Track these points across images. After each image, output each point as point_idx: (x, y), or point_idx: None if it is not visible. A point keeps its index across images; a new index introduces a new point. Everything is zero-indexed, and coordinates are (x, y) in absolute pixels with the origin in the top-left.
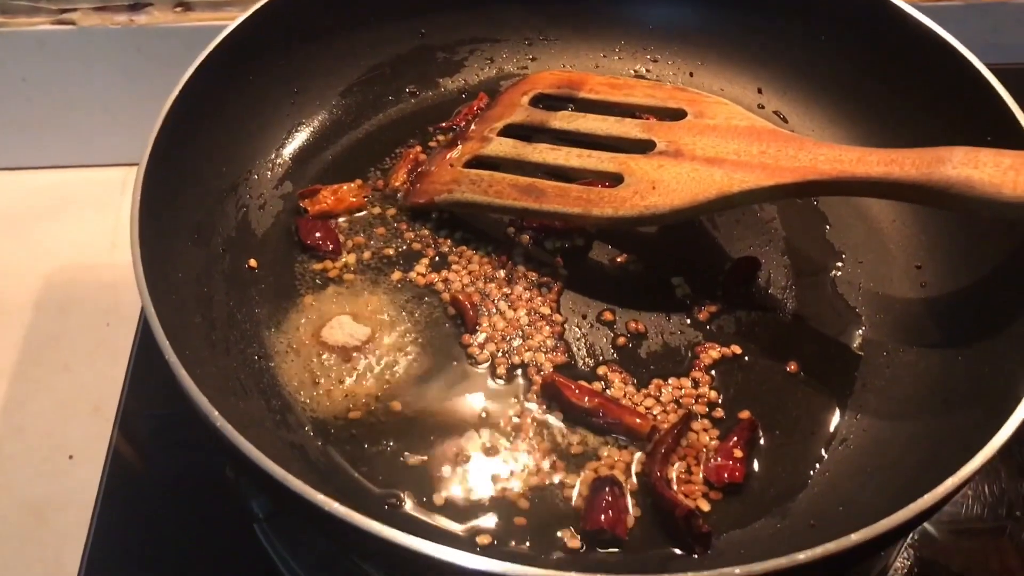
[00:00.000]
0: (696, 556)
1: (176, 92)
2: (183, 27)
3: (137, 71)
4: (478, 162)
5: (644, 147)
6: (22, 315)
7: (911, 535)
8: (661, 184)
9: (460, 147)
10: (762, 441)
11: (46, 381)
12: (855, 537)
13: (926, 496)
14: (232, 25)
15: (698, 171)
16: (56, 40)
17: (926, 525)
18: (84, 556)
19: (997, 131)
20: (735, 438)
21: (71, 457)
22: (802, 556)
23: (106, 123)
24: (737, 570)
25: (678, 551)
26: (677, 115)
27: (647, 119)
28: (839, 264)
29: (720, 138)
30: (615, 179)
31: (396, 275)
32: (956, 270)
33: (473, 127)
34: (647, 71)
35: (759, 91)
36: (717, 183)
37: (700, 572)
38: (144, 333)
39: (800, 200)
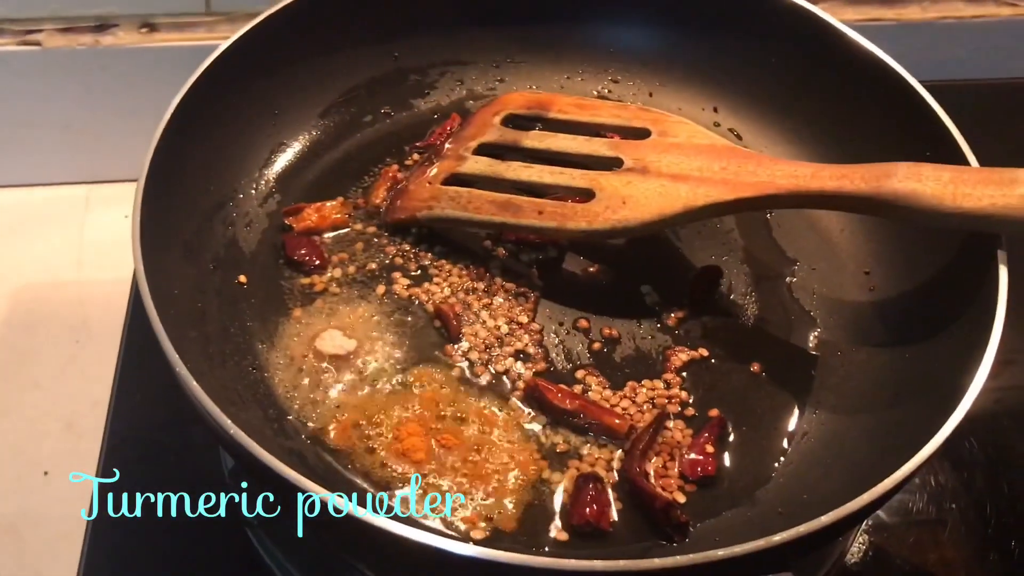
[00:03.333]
0: (675, 544)
1: (168, 114)
2: (148, 48)
3: (102, 91)
4: (455, 180)
5: (612, 164)
6: None
7: (866, 522)
8: (631, 199)
9: (437, 165)
10: (731, 437)
11: (17, 399)
12: (825, 519)
13: (886, 480)
14: (218, 50)
15: (665, 187)
16: (21, 61)
17: (879, 513)
18: (80, 568)
19: (935, 146)
20: (706, 434)
21: (46, 473)
22: (778, 538)
23: (69, 142)
24: (720, 552)
25: (658, 540)
26: (641, 134)
27: (613, 138)
28: (794, 271)
29: (683, 155)
30: (586, 195)
31: (380, 288)
32: (902, 275)
33: (448, 146)
34: (609, 92)
35: (715, 110)
36: (683, 198)
37: (687, 555)
38: (128, 348)
39: (757, 212)
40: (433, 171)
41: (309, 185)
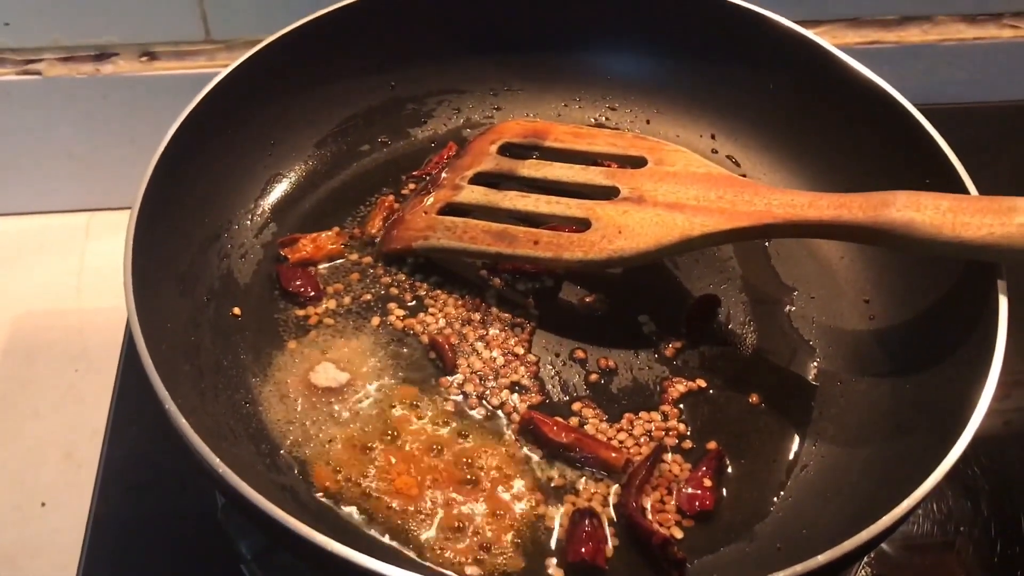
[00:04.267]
0: None
1: (163, 145)
2: (148, 76)
3: (102, 119)
4: (451, 209)
5: (608, 193)
6: None
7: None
8: (627, 229)
9: (433, 195)
10: (729, 470)
11: (16, 428)
12: (822, 558)
13: (886, 517)
14: (214, 80)
15: (661, 216)
16: (21, 90)
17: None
18: None
19: (934, 173)
20: (704, 468)
21: (43, 504)
22: None
23: (70, 170)
24: None
25: None
26: (638, 162)
27: (609, 166)
28: (793, 299)
29: (680, 184)
30: (582, 224)
31: (375, 320)
32: (901, 303)
33: (444, 175)
34: (606, 119)
35: (712, 137)
36: (679, 227)
37: None
38: (124, 379)
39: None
40: (429, 201)
41: (305, 215)
